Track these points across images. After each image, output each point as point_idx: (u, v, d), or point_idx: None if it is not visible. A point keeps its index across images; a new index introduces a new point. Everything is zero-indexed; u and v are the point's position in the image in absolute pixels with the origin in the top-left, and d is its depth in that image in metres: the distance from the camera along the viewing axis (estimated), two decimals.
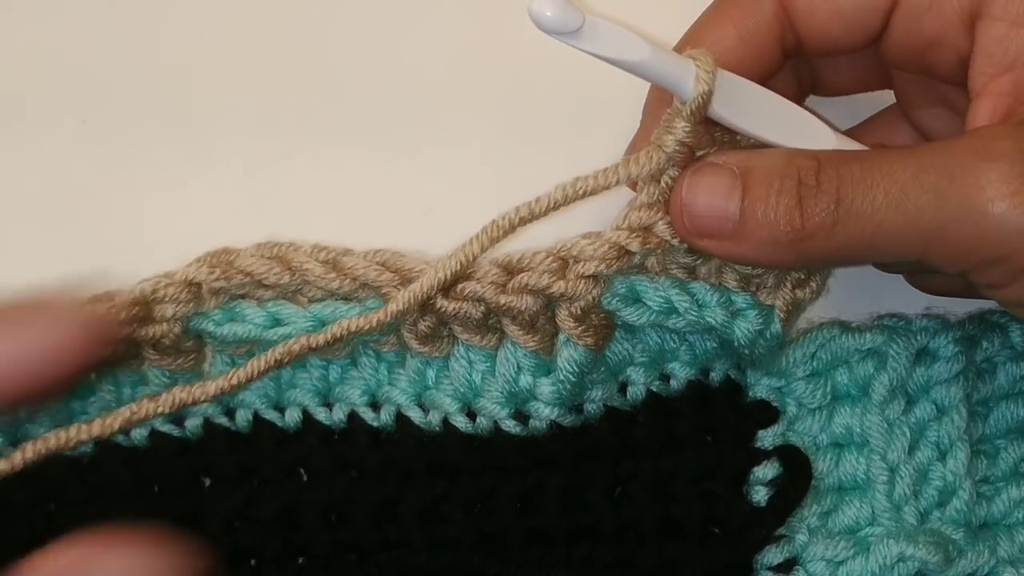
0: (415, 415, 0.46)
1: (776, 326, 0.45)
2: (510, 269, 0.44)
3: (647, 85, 0.47)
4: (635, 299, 0.45)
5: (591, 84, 0.51)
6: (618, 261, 0.43)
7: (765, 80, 0.46)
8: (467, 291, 0.43)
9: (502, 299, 0.43)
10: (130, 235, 0.53)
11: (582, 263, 0.43)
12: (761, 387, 0.48)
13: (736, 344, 0.45)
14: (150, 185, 0.53)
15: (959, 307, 0.50)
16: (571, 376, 0.45)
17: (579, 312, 0.44)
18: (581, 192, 0.42)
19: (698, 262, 0.45)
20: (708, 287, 0.45)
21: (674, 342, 0.47)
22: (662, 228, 0.43)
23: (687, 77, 0.40)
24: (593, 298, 0.44)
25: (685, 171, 0.42)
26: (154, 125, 0.54)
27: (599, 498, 0.45)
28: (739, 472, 0.46)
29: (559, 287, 0.43)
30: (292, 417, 0.46)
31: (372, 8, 0.56)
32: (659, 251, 0.44)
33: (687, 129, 0.41)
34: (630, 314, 0.45)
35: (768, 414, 0.47)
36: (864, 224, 0.40)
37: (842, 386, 0.48)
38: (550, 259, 0.44)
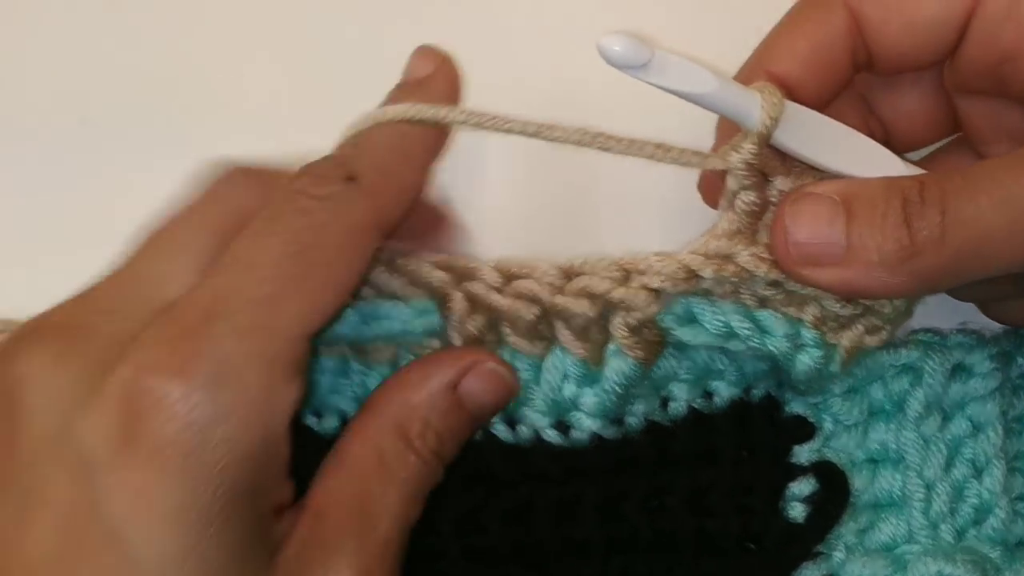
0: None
1: (835, 366, 0.45)
2: (569, 273, 0.44)
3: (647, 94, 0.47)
4: (690, 320, 0.44)
5: (597, 89, 0.51)
6: (685, 282, 0.43)
7: (834, 95, 0.46)
8: (522, 289, 0.43)
9: (558, 300, 0.43)
10: (128, 234, 0.52)
11: (647, 276, 0.43)
12: (798, 403, 0.47)
13: (792, 377, 0.45)
14: (148, 184, 0.52)
15: (995, 323, 0.50)
16: (617, 388, 0.44)
17: (635, 323, 0.43)
18: (642, 150, 0.42)
19: (777, 295, 0.44)
20: (776, 315, 0.44)
21: (722, 363, 0.46)
22: (745, 258, 0.43)
23: (753, 108, 0.41)
24: (652, 312, 0.43)
25: (784, 202, 0.42)
26: (153, 124, 0.54)
27: (635, 510, 0.45)
28: (775, 488, 0.46)
29: (619, 293, 0.43)
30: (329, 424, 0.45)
31: (372, 5, 0.56)
32: (735, 279, 0.43)
33: (753, 152, 0.42)
34: (684, 333, 0.44)
35: (805, 430, 0.47)
36: (971, 231, 0.39)
37: (877, 402, 0.48)
38: (613, 267, 0.43)
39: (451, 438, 0.43)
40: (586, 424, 0.45)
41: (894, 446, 0.47)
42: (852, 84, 0.47)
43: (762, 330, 0.44)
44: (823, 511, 0.45)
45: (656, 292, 0.43)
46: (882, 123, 0.49)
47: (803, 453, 0.47)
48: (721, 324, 0.44)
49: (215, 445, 0.35)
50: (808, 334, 0.44)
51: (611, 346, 0.44)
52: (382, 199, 0.41)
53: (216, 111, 0.55)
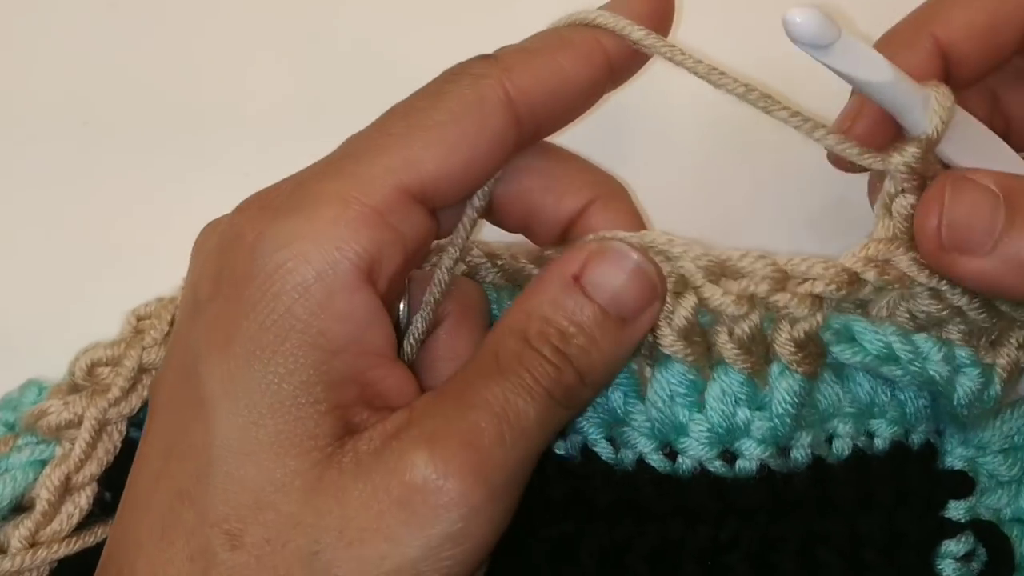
0: (603, 450, 0.43)
1: (996, 387, 0.43)
2: (722, 268, 0.42)
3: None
4: (850, 338, 0.42)
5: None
6: (849, 286, 0.41)
7: (986, 76, 0.45)
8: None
9: (716, 297, 0.41)
10: (130, 235, 0.53)
11: (809, 281, 0.41)
12: (956, 456, 0.46)
13: (955, 403, 0.43)
14: (150, 186, 0.54)
15: None
16: (791, 408, 0.42)
17: (802, 336, 0.41)
18: (800, 123, 0.41)
19: (942, 311, 0.43)
20: (931, 339, 0.42)
21: (885, 396, 0.44)
22: (905, 262, 0.42)
23: (921, 107, 0.40)
24: (816, 323, 0.41)
25: (940, 183, 0.41)
26: (155, 125, 0.55)
27: (790, 559, 0.43)
28: (929, 542, 0.45)
29: (781, 299, 0.41)
30: None
31: (375, 8, 0.56)
32: (895, 287, 0.42)
33: (917, 156, 0.41)
34: (843, 351, 0.42)
35: (964, 485, 0.45)
36: None
37: None
38: (770, 267, 0.41)
39: (584, 339, 0.38)
40: (756, 452, 0.42)
41: None
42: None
43: (921, 354, 0.42)
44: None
45: (819, 299, 0.41)
46: (1005, 118, 0.48)
47: (959, 509, 0.45)
48: (882, 345, 0.42)
49: (271, 271, 0.36)
50: (963, 352, 0.43)
51: (775, 366, 0.42)
52: (518, 75, 0.40)
53: (217, 111, 0.55)
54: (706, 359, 0.43)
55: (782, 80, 0.46)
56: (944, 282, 0.42)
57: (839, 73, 0.39)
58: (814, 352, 0.42)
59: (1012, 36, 0.43)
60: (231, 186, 0.51)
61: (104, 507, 0.43)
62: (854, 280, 0.41)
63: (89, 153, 0.54)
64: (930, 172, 0.42)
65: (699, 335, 0.42)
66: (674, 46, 0.42)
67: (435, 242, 0.43)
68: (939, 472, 0.46)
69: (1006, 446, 0.47)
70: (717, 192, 0.55)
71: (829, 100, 0.46)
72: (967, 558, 0.45)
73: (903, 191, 0.42)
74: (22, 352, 0.50)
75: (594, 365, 0.39)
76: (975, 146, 0.43)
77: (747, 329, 0.42)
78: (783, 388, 0.42)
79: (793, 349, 0.42)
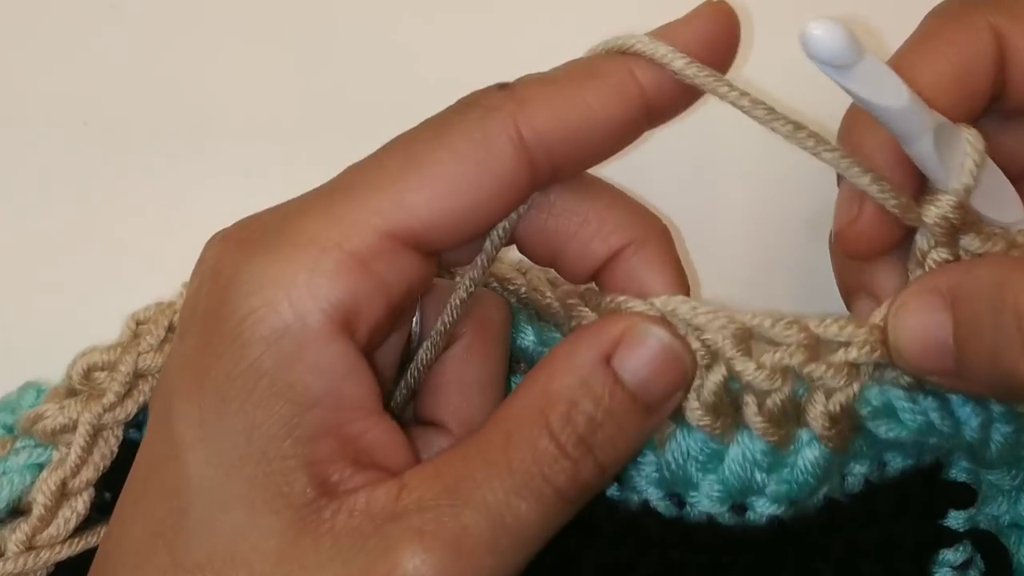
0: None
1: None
2: (748, 334, 0.39)
3: None
4: (889, 413, 0.40)
5: None
6: (883, 346, 0.39)
7: (971, 120, 0.42)
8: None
9: (746, 370, 0.38)
10: (131, 236, 0.53)
11: (843, 348, 0.39)
12: (960, 468, 0.45)
13: (987, 458, 0.42)
14: (151, 187, 0.54)
15: None
16: (810, 479, 0.40)
17: (837, 411, 0.39)
18: (847, 170, 0.38)
19: None
20: (969, 405, 0.41)
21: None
22: None
23: (931, 135, 0.37)
24: (851, 395, 0.39)
25: (893, 302, 0.39)
26: (156, 125, 0.54)
27: (787, 571, 0.42)
28: (925, 550, 0.44)
29: (816, 370, 0.39)
30: None
31: (376, 10, 0.55)
32: None
33: (954, 206, 0.39)
34: (880, 428, 0.40)
35: (967, 496, 0.45)
36: None
37: None
38: (803, 334, 0.39)
39: (612, 428, 0.35)
40: (767, 509, 0.41)
41: None
42: None
43: (959, 424, 0.41)
44: None
45: (855, 368, 0.39)
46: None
47: (959, 518, 0.45)
48: (922, 420, 0.40)
49: (242, 316, 0.34)
50: (997, 410, 0.41)
51: (804, 433, 0.40)
52: (533, 110, 0.36)
53: (218, 112, 0.55)
54: (732, 425, 0.40)
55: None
56: None
57: (855, 96, 0.36)
58: (847, 427, 0.40)
59: (981, 86, 0.41)
60: (233, 186, 0.53)
61: (103, 509, 0.43)
62: (887, 340, 0.39)
63: (90, 153, 0.54)
64: (966, 223, 0.40)
65: (727, 405, 0.40)
66: (720, 77, 0.37)
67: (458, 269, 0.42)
68: (942, 483, 0.46)
69: (1010, 459, 0.46)
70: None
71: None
72: (964, 567, 0.45)
73: (935, 245, 0.40)
74: (21, 353, 0.50)
75: (617, 456, 0.36)
76: (990, 191, 0.40)
77: (779, 402, 0.40)
78: (808, 459, 0.40)
79: (828, 424, 0.40)
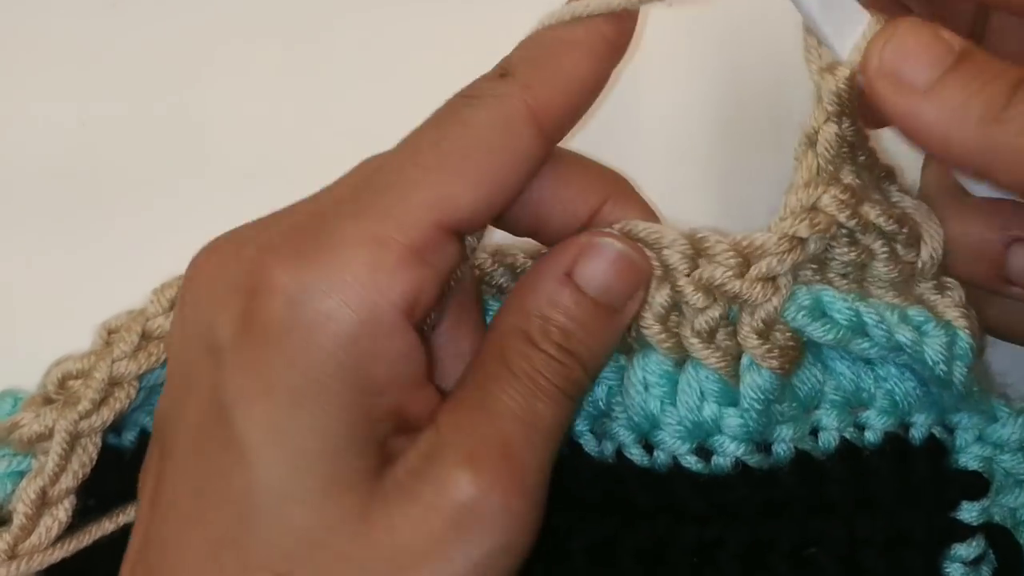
0: (587, 443, 0.43)
1: (965, 340, 0.41)
2: (697, 248, 0.41)
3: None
4: (822, 313, 0.41)
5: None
6: (791, 253, 0.40)
7: None
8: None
9: (683, 284, 0.40)
10: (131, 237, 0.53)
11: (757, 264, 0.40)
12: (972, 455, 0.44)
13: (933, 368, 0.41)
14: (151, 187, 0.53)
15: None
16: (756, 404, 0.41)
17: (760, 325, 0.40)
18: None
19: (859, 257, 0.41)
20: (884, 304, 0.41)
21: (870, 379, 0.43)
22: (826, 201, 0.40)
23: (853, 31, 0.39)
24: (774, 308, 0.40)
25: (907, 20, 0.39)
26: (156, 125, 0.54)
27: (783, 562, 0.42)
28: (937, 546, 0.43)
29: (735, 287, 0.40)
30: None
31: (376, 18, 0.55)
32: (826, 236, 0.40)
33: (848, 80, 0.39)
34: (816, 330, 0.41)
35: (979, 487, 0.43)
36: None
37: None
38: (731, 251, 0.40)
39: (583, 333, 0.40)
40: (729, 448, 0.42)
41: None
42: None
43: (885, 320, 0.41)
44: None
45: (772, 280, 0.40)
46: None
47: (972, 510, 0.43)
48: (851, 313, 0.41)
49: (312, 321, 0.36)
50: (914, 312, 0.41)
51: (744, 358, 0.41)
52: (537, 90, 0.39)
53: (218, 112, 0.54)
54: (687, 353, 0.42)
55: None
56: (859, 223, 0.41)
57: None
58: (784, 344, 0.41)
59: None
60: (232, 187, 0.52)
61: (86, 515, 0.42)
62: (794, 244, 0.40)
63: (88, 152, 0.54)
64: (852, 104, 0.40)
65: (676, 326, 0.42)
66: None
67: None
68: (950, 471, 0.44)
69: (1021, 444, 0.44)
70: (725, 184, 0.54)
71: None
72: (976, 562, 0.43)
73: (828, 120, 0.40)
74: None
75: (595, 356, 0.40)
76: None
77: (706, 323, 0.41)
78: (749, 384, 0.41)
79: (756, 341, 0.41)
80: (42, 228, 0.53)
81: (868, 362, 0.43)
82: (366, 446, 0.37)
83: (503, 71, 0.40)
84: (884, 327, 0.41)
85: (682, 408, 0.42)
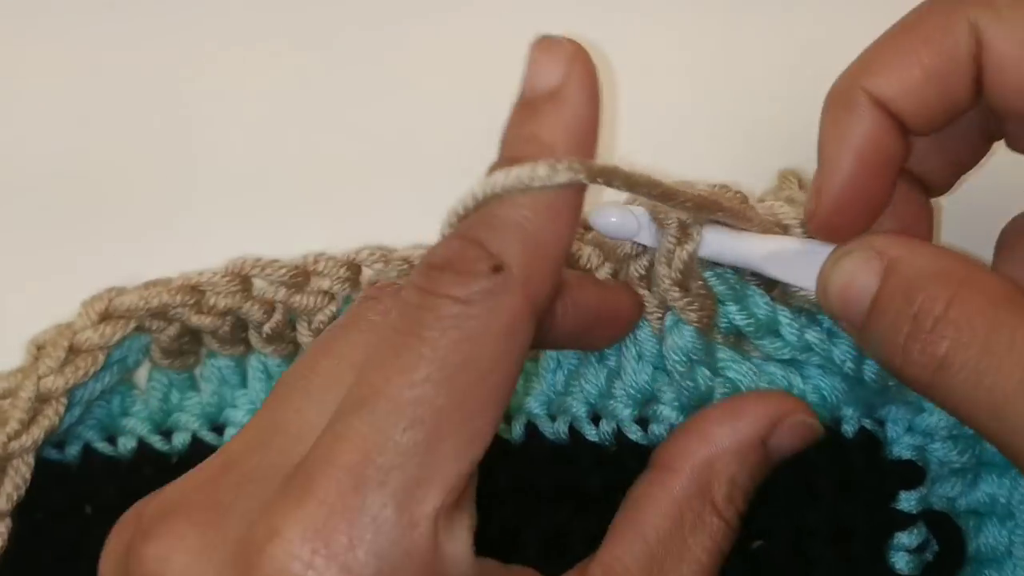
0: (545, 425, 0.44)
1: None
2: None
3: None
4: (741, 297, 0.43)
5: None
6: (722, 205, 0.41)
7: (950, 121, 0.40)
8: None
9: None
10: (131, 237, 0.52)
11: (674, 211, 0.41)
12: (903, 445, 0.44)
13: (841, 366, 0.43)
14: (151, 188, 0.52)
15: None
16: (679, 366, 0.42)
17: (678, 276, 0.42)
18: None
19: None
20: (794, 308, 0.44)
21: (798, 376, 0.44)
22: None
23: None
24: (688, 252, 0.41)
25: (839, 249, 0.40)
26: (156, 125, 0.53)
27: (731, 556, 0.40)
28: (880, 535, 0.43)
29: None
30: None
31: (375, 21, 0.54)
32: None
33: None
34: (735, 313, 0.43)
35: (915, 475, 0.44)
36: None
37: (990, 451, 0.45)
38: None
39: (753, 492, 0.40)
40: (665, 414, 0.43)
41: (1004, 500, 0.45)
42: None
43: (796, 322, 0.43)
44: (939, 568, 0.43)
45: (685, 227, 0.41)
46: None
47: (910, 499, 0.44)
48: (769, 309, 0.43)
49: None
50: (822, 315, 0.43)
51: (669, 317, 0.43)
52: (535, 284, 0.34)
53: (219, 113, 0.53)
54: None
55: None
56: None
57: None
58: (702, 295, 0.43)
59: (958, 88, 0.39)
60: (233, 188, 0.51)
61: (35, 530, 0.41)
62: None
63: (89, 152, 0.53)
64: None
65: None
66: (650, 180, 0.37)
67: None
68: (886, 463, 0.45)
69: (954, 432, 0.45)
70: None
71: None
72: (920, 549, 0.44)
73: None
74: None
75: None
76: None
77: (637, 271, 0.43)
78: (674, 339, 0.43)
79: (675, 289, 0.42)
80: (42, 228, 0.52)
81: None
82: None
83: (495, 262, 0.34)
84: (795, 327, 0.43)
85: (626, 375, 0.44)
